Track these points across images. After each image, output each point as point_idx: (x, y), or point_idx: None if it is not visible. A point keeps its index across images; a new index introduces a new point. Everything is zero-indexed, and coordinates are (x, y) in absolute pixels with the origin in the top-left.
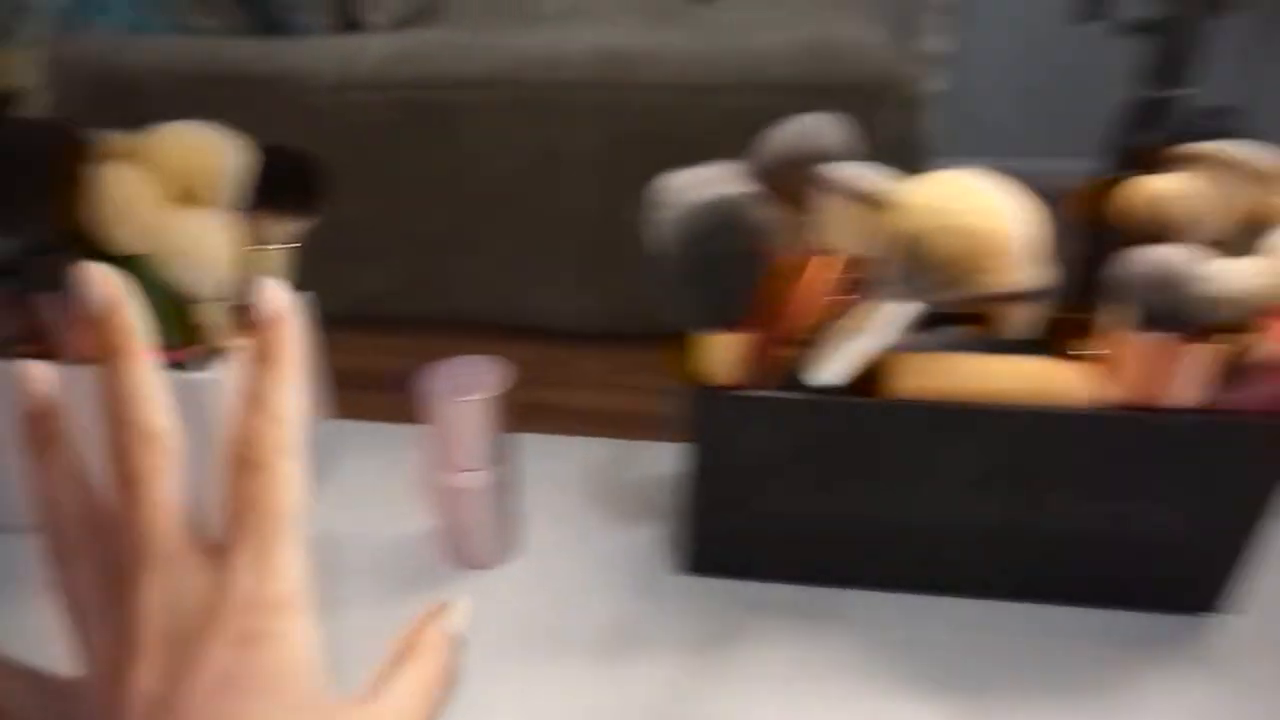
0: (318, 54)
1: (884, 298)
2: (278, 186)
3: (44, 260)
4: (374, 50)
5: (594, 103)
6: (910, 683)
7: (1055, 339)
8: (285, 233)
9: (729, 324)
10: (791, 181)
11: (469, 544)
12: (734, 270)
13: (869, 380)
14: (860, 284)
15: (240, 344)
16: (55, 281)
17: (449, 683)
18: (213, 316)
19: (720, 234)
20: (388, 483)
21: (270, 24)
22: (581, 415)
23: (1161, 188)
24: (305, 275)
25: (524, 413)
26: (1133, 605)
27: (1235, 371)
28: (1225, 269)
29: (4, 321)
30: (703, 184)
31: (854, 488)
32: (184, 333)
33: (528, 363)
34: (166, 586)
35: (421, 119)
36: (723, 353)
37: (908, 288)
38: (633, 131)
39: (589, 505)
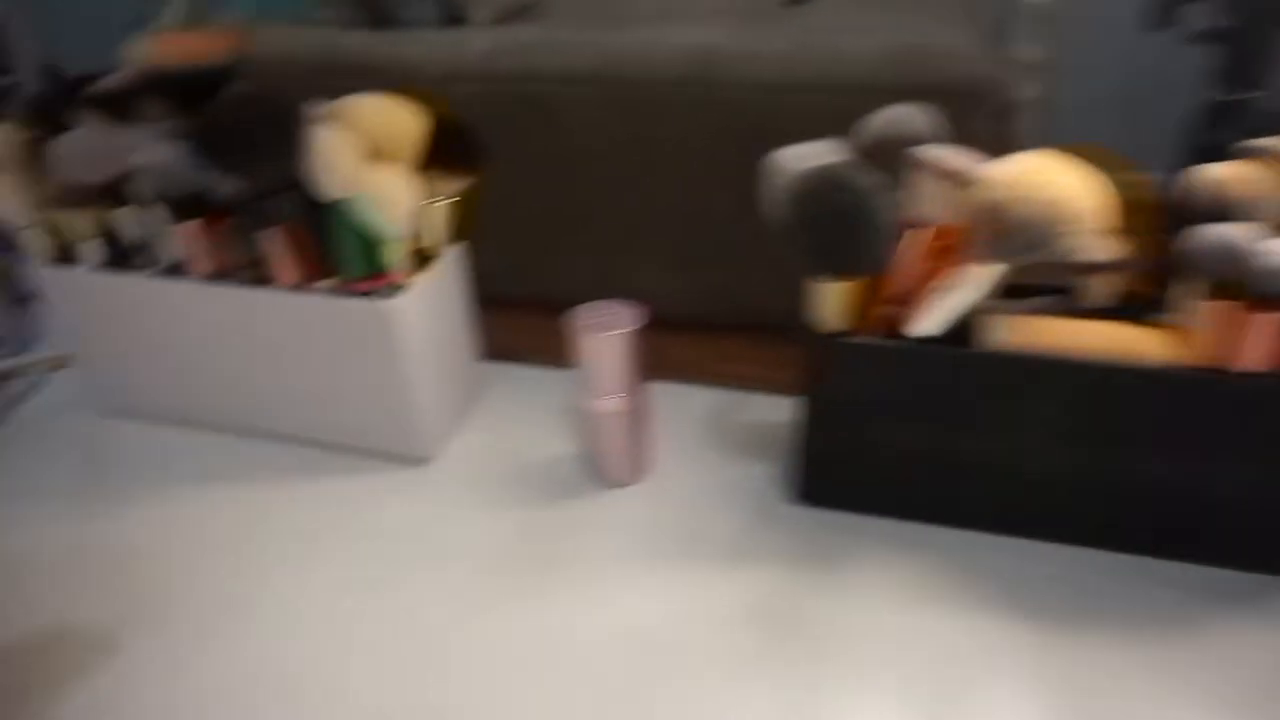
0: (425, 47)
1: (973, 260)
2: (446, 150)
3: (268, 202)
4: (477, 45)
5: (686, 100)
6: (994, 608)
7: (1132, 308)
8: (450, 187)
9: (839, 274)
10: (887, 160)
11: (608, 462)
12: (840, 226)
13: (965, 336)
14: (952, 249)
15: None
16: (276, 219)
17: None
18: (396, 254)
19: (828, 193)
20: (531, 414)
21: (381, 18)
22: None
23: (1224, 174)
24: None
25: None
26: (1209, 560)
27: None
28: None
29: (236, 251)
30: (812, 156)
31: (949, 431)
32: (374, 266)
33: None
34: None
35: (522, 110)
36: (835, 301)
37: (993, 251)
38: (723, 128)
39: (709, 443)
